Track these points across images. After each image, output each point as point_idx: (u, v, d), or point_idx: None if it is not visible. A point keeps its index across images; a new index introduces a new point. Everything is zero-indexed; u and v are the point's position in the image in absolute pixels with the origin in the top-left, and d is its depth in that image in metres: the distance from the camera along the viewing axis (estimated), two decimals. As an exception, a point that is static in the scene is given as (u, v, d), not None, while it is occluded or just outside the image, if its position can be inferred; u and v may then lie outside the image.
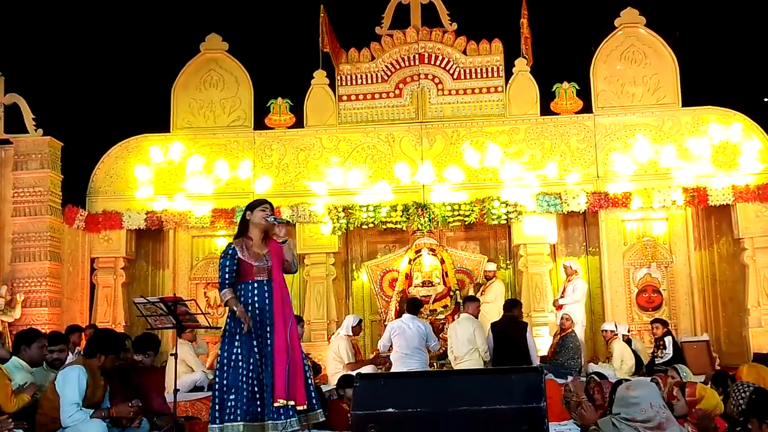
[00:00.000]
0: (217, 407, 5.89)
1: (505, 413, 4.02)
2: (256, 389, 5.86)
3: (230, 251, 6.12)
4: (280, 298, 6.11)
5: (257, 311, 6.02)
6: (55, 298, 12.55)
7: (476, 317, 10.71)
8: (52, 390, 5.95)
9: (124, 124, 14.24)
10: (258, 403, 5.84)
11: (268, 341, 5.96)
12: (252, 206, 6.31)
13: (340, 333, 11.22)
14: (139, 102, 14.82)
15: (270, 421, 5.77)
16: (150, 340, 7.55)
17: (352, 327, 11.09)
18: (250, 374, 5.89)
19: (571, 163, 13.12)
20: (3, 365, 6.58)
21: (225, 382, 5.91)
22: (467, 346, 10.38)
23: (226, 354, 5.97)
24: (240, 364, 5.91)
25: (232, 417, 5.80)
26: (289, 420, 5.79)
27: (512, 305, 11.01)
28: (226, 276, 6.06)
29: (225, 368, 5.94)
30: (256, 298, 6.06)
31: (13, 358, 6.86)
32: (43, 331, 11.06)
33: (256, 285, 6.07)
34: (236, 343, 5.95)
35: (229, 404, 5.83)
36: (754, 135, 12.88)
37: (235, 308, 5.97)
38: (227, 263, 6.08)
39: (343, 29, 13.83)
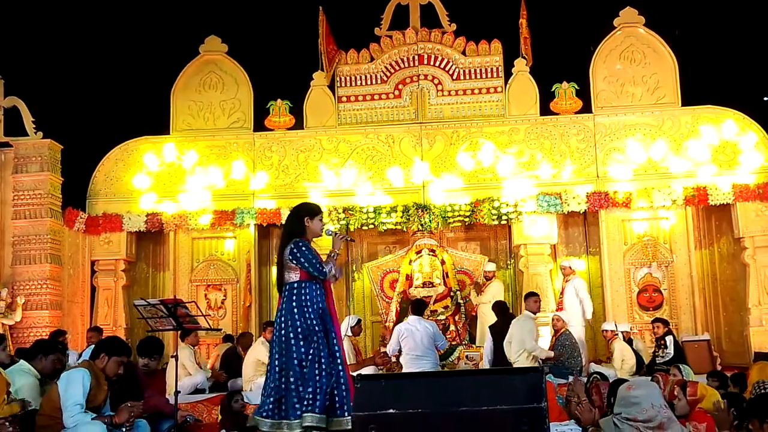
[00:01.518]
0: (295, 401, 5.93)
1: (506, 413, 4.01)
2: (333, 385, 5.98)
3: (309, 244, 6.23)
4: (333, 301, 6.36)
5: (320, 311, 6.15)
6: (56, 301, 12.54)
7: (535, 313, 10.52)
8: (55, 391, 5.94)
9: (123, 127, 14.25)
10: (328, 398, 5.95)
11: (334, 341, 6.15)
12: (310, 212, 6.38)
13: (340, 334, 11.21)
14: (139, 104, 14.82)
15: (341, 418, 5.93)
16: (155, 343, 7.56)
17: (352, 327, 11.08)
18: (330, 371, 5.99)
19: (571, 163, 13.13)
20: (5, 369, 6.57)
21: (305, 376, 5.96)
22: (519, 346, 10.27)
23: (303, 350, 6.01)
24: (317, 359, 5.99)
25: (317, 410, 5.88)
26: (345, 418, 5.94)
27: (505, 308, 11.01)
28: (320, 259, 6.18)
29: (305, 363, 5.98)
30: (319, 299, 6.18)
31: (23, 362, 6.85)
32: (44, 336, 11.18)
33: (318, 286, 6.20)
34: (314, 338, 6.03)
35: (307, 396, 5.90)
36: (754, 134, 12.89)
37: (337, 250, 6.36)
38: (315, 252, 6.21)
39: (343, 30, 13.85)
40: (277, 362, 6.10)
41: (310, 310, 6.09)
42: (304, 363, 5.98)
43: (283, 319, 6.13)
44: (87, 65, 15.34)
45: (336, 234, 6.46)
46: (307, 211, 6.38)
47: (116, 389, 6.28)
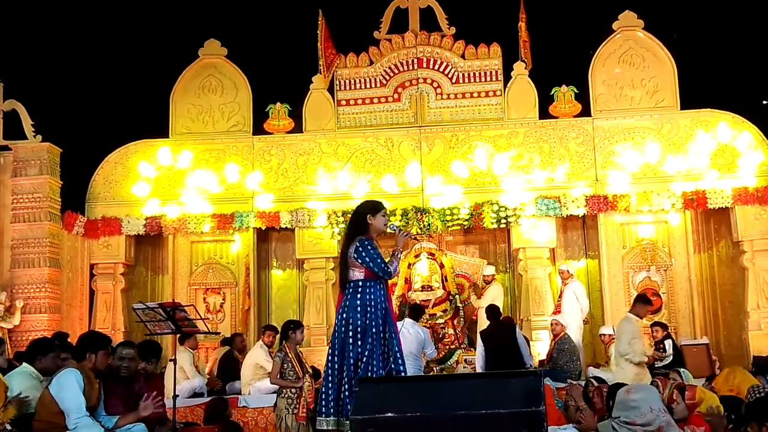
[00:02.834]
0: (348, 401, 5.94)
1: (504, 417, 4.01)
2: None
3: (373, 243, 6.21)
4: (392, 300, 6.46)
5: (383, 311, 6.15)
6: (55, 305, 12.54)
7: (641, 317, 10.02)
8: (48, 396, 5.91)
9: (122, 130, 14.25)
10: None
11: (395, 341, 6.16)
12: (373, 209, 6.35)
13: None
14: (138, 108, 14.83)
15: None
16: (152, 347, 7.56)
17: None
18: (381, 371, 5.99)
19: (570, 166, 13.13)
20: (5, 374, 6.57)
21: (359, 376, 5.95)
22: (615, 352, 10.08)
23: (359, 349, 6.03)
24: (371, 360, 6.00)
25: None
26: None
27: (497, 312, 11.00)
28: (383, 258, 6.16)
29: (360, 364, 6.00)
30: (383, 298, 6.19)
31: (26, 365, 6.86)
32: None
33: (382, 286, 6.22)
34: (369, 339, 6.04)
35: None
36: (753, 138, 12.89)
37: (401, 247, 6.35)
38: (379, 251, 6.18)
39: (342, 34, 13.85)
40: (337, 359, 6.10)
41: (374, 309, 6.11)
42: (359, 363, 6.00)
43: (345, 316, 6.15)
44: (86, 69, 15.35)
45: (399, 230, 6.40)
46: (369, 208, 6.37)
47: (109, 382, 6.26)
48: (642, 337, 10.06)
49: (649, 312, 10.49)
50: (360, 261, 6.13)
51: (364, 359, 5.99)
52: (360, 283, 6.16)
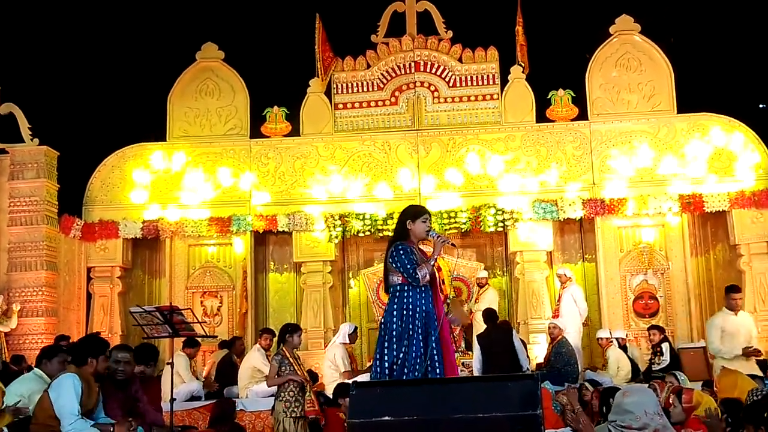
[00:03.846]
0: None
1: (501, 421, 4.01)
2: None
3: (408, 248, 6.15)
4: (440, 304, 6.31)
5: (424, 314, 6.09)
6: (52, 308, 12.51)
7: (732, 309, 9.97)
8: (46, 399, 5.91)
9: (120, 133, 14.24)
10: None
11: (433, 344, 6.05)
12: (413, 215, 6.31)
13: (335, 341, 11.22)
14: (136, 111, 14.83)
15: None
16: (150, 350, 7.55)
17: (349, 335, 11.08)
18: (417, 374, 5.94)
19: (567, 170, 13.14)
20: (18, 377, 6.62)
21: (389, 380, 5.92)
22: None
23: (395, 353, 6.01)
24: (404, 364, 5.97)
25: None
26: None
27: (494, 316, 11.02)
28: (415, 264, 6.09)
29: (395, 367, 5.97)
30: (424, 302, 6.13)
31: (36, 369, 6.91)
32: (39, 343, 11.16)
33: (423, 290, 6.15)
34: (405, 343, 6.01)
35: None
36: (750, 141, 12.91)
37: (437, 255, 6.23)
38: (412, 257, 6.11)
39: (339, 37, 13.86)
40: (378, 363, 6.09)
41: (411, 313, 6.06)
42: (395, 366, 5.98)
43: (383, 320, 6.18)
44: (84, 72, 15.35)
45: (438, 237, 6.34)
46: (409, 215, 6.33)
47: (107, 386, 6.25)
48: (738, 331, 9.94)
49: (736, 301, 10.03)
50: (394, 266, 6.14)
51: (399, 362, 5.97)
52: (398, 288, 6.14)
